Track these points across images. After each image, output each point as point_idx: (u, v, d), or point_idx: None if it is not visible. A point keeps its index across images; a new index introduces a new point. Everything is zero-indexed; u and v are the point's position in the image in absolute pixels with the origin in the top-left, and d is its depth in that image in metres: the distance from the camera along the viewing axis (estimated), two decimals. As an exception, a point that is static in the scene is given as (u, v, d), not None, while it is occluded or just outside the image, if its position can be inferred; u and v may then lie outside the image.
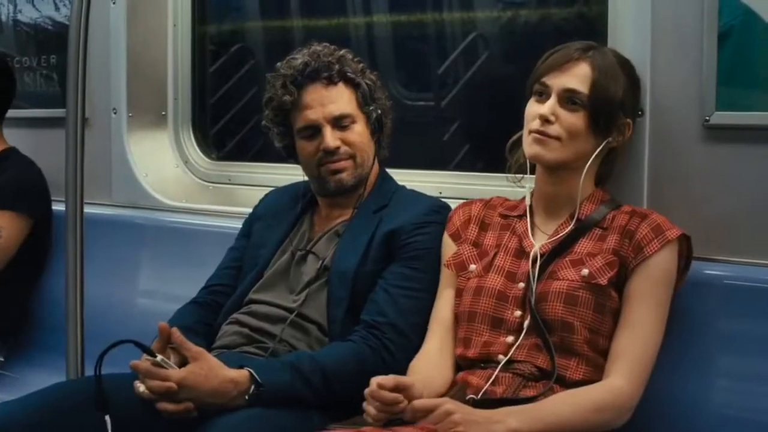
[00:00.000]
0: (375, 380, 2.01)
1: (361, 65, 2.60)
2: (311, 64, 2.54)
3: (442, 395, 2.16)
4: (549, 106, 2.21)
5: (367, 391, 2.01)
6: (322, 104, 2.53)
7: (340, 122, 2.54)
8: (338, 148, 2.52)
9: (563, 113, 2.20)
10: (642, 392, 2.12)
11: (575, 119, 2.20)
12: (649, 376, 2.13)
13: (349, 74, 2.56)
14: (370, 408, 2.01)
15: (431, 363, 2.29)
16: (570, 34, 2.34)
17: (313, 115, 2.53)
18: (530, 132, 2.23)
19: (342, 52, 2.59)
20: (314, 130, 2.54)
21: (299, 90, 2.55)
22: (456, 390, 2.19)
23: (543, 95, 2.24)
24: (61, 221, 2.61)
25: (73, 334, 2.58)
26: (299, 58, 2.56)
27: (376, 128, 2.59)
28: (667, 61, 2.34)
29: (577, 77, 2.21)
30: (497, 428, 1.98)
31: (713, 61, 2.26)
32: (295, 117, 2.57)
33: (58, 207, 2.68)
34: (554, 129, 2.20)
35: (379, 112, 2.59)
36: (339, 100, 2.54)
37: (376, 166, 2.65)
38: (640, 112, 2.32)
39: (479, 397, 2.14)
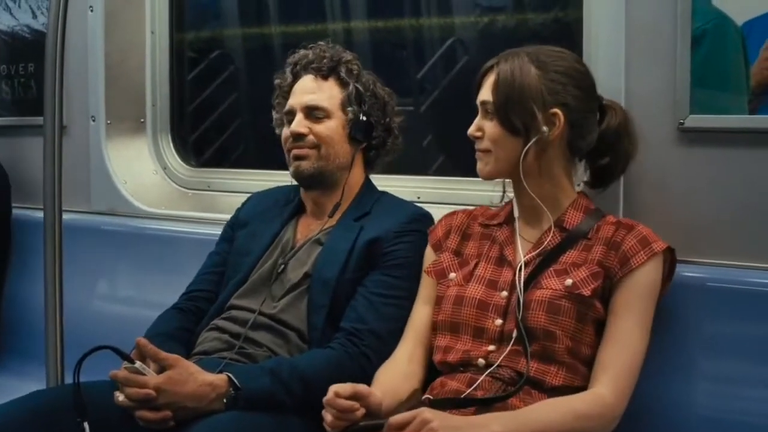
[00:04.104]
0: (332, 388, 2.04)
1: (356, 69, 2.64)
2: (308, 56, 2.64)
3: (402, 403, 2.18)
4: (475, 123, 2.28)
5: (324, 398, 2.04)
6: (303, 92, 2.61)
7: (313, 113, 2.59)
8: (304, 135, 2.57)
9: (486, 125, 2.26)
10: (626, 403, 2.12)
11: (493, 127, 2.24)
12: (633, 387, 2.14)
13: (340, 73, 2.61)
14: (327, 415, 2.04)
15: (398, 371, 2.31)
16: (547, 39, 2.36)
17: (292, 101, 2.62)
18: None
19: (344, 53, 2.66)
20: (291, 116, 2.61)
21: (295, 78, 2.65)
22: (411, 398, 2.21)
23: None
24: (40, 228, 2.60)
25: (52, 341, 2.58)
26: (305, 50, 2.66)
27: (353, 132, 2.60)
28: (641, 65, 2.36)
29: (486, 88, 2.26)
30: None
31: (687, 64, 2.28)
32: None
33: (36, 214, 2.67)
34: (483, 143, 2.27)
35: (364, 119, 2.61)
36: (320, 92, 2.60)
37: (361, 176, 2.67)
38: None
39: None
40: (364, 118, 2.61)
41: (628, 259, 2.17)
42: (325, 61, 2.62)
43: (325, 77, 2.62)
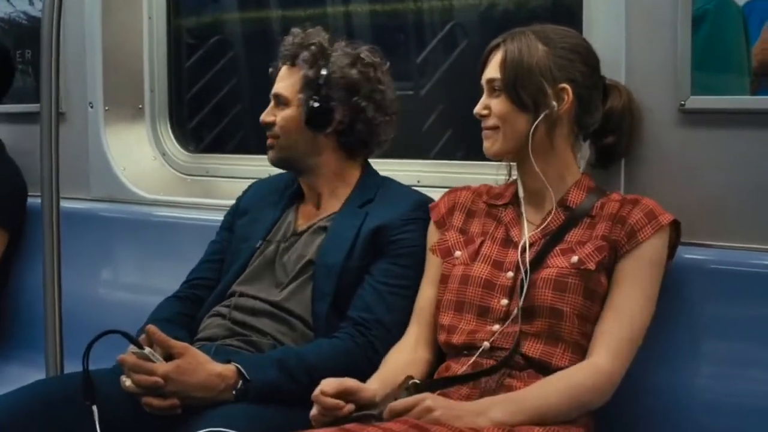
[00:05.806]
0: (320, 385, 2.07)
1: (318, 52, 2.55)
2: (283, 43, 2.63)
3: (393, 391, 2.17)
4: (481, 101, 2.28)
5: (312, 394, 2.07)
6: (276, 81, 2.61)
7: (278, 101, 2.59)
8: (269, 123, 2.59)
9: (493, 102, 2.26)
10: (624, 371, 2.12)
11: (501, 104, 2.24)
12: (633, 355, 2.13)
13: (299, 58, 2.57)
14: (313, 410, 2.07)
15: (402, 359, 2.30)
16: (547, 20, 2.35)
17: (273, 90, 2.62)
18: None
19: (317, 36, 2.58)
20: None
21: (278, 69, 2.65)
22: (401, 386, 2.16)
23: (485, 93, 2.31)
24: (38, 216, 2.60)
25: (51, 330, 2.57)
26: (287, 37, 2.64)
27: (306, 119, 2.54)
28: (641, 46, 2.35)
29: (493, 66, 2.26)
30: (480, 420, 1.99)
31: (687, 45, 2.27)
32: None
33: (37, 202, 2.66)
34: (490, 120, 2.26)
35: (316, 105, 2.53)
36: (286, 80, 2.59)
37: (339, 161, 2.61)
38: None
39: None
40: (316, 105, 2.53)
41: (635, 232, 2.17)
42: (290, 47, 2.59)
43: (292, 64, 2.59)
